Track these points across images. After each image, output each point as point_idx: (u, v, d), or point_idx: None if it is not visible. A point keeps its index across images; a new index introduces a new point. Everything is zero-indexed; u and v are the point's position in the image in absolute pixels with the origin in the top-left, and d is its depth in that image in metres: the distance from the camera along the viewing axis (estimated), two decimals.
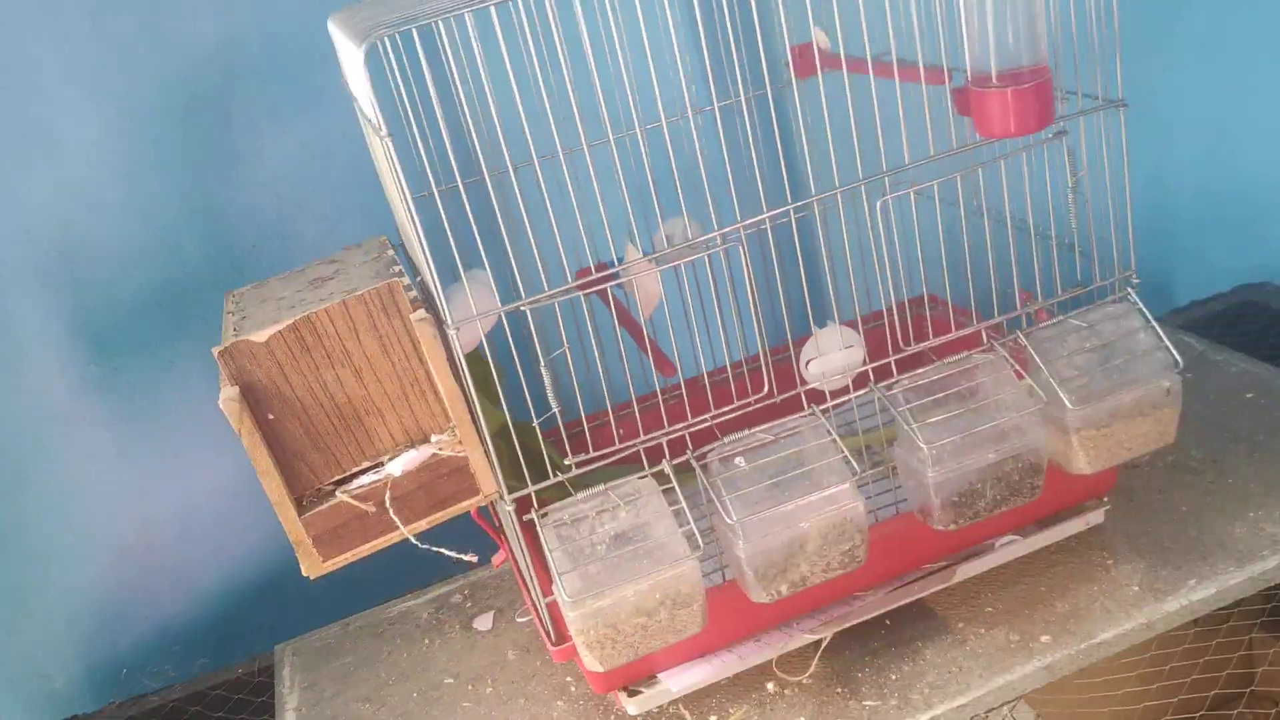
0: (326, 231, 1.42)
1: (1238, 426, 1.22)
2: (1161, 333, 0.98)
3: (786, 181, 1.01)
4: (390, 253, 1.02)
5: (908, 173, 0.94)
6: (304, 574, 0.90)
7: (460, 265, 0.88)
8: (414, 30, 0.79)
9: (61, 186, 1.28)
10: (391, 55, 0.98)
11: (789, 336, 1.08)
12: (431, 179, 0.86)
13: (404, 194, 0.82)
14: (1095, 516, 1.10)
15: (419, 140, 0.93)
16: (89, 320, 1.32)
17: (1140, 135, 1.59)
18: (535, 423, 0.90)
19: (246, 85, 1.33)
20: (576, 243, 0.95)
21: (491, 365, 0.97)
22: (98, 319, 1.32)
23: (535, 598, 0.99)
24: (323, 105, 1.36)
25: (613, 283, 1.00)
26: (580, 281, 0.93)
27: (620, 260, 1.15)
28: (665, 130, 0.91)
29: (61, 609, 1.34)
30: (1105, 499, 1.11)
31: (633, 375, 0.97)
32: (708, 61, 0.93)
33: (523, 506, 0.94)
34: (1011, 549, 1.08)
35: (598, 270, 1.15)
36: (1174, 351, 0.97)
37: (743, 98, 0.97)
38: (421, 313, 0.86)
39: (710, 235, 0.93)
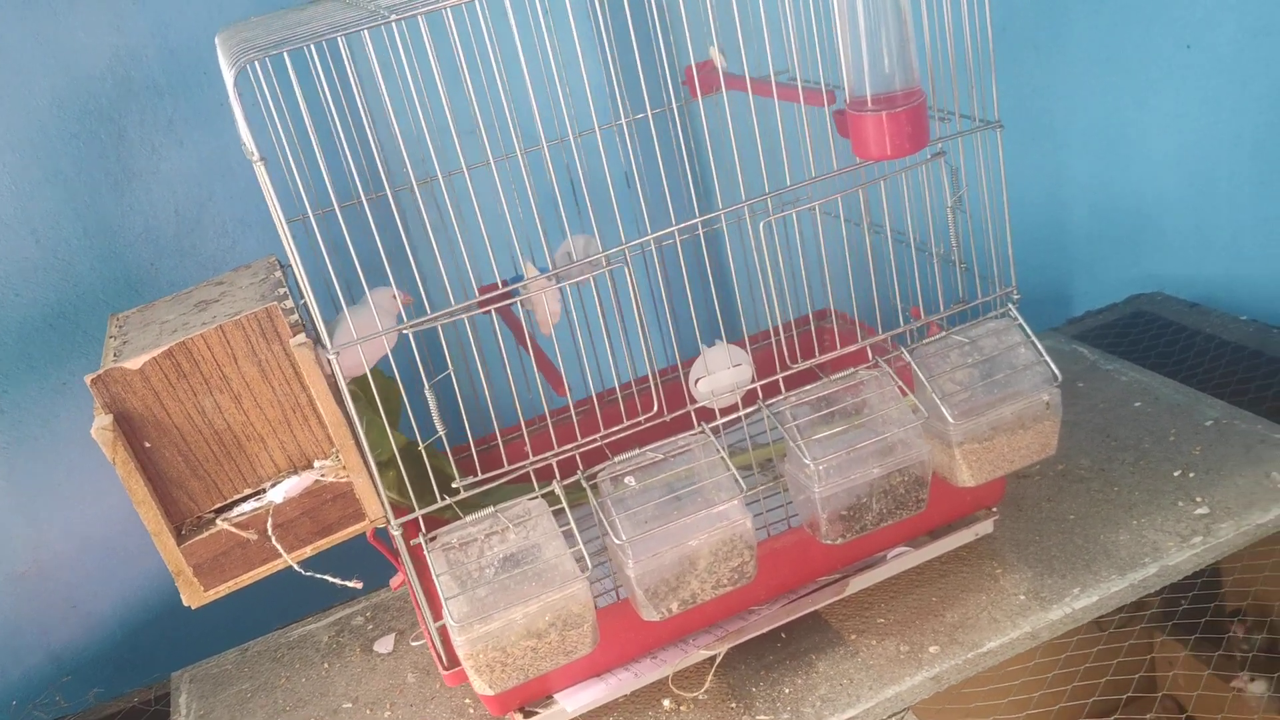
0: (228, 248, 1.40)
1: (1124, 435, 1.26)
2: (1041, 347, 1.00)
3: (685, 197, 1.02)
4: (278, 274, 1.01)
5: (793, 192, 0.95)
6: (185, 603, 0.88)
7: (338, 289, 0.87)
8: (285, 52, 0.78)
9: None
10: (263, 79, 0.97)
11: (679, 356, 1.09)
12: (306, 202, 0.85)
13: (279, 219, 0.81)
14: (985, 527, 1.13)
15: (292, 161, 0.93)
16: None
17: (1035, 149, 1.65)
18: (420, 447, 0.90)
19: (142, 100, 1.31)
20: (473, 260, 0.94)
21: (373, 387, 0.96)
22: None
23: (427, 621, 0.99)
24: (222, 119, 1.34)
25: (501, 304, 1.00)
26: (466, 304, 0.92)
27: (518, 278, 1.15)
28: (546, 152, 0.92)
29: None
30: (994, 509, 1.13)
31: (522, 396, 0.97)
32: (587, 83, 0.93)
33: (427, 526, 0.93)
34: (903, 560, 1.10)
35: (483, 291, 1.15)
36: (1053, 365, 0.99)
37: (624, 120, 0.98)
38: (301, 337, 0.85)
39: (597, 255, 0.93)
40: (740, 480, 0.92)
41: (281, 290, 0.95)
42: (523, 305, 1.07)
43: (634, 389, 0.98)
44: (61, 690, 1.28)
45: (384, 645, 1.20)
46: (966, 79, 0.97)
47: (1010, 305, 1.03)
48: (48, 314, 1.32)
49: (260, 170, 0.80)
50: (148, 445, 0.85)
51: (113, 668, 1.38)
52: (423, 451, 0.91)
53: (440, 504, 0.93)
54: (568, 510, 0.92)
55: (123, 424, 0.84)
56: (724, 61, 1.22)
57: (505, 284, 1.18)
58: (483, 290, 1.17)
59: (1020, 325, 1.02)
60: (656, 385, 0.94)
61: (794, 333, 0.98)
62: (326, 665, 1.20)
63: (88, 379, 0.83)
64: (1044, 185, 1.67)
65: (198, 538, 0.86)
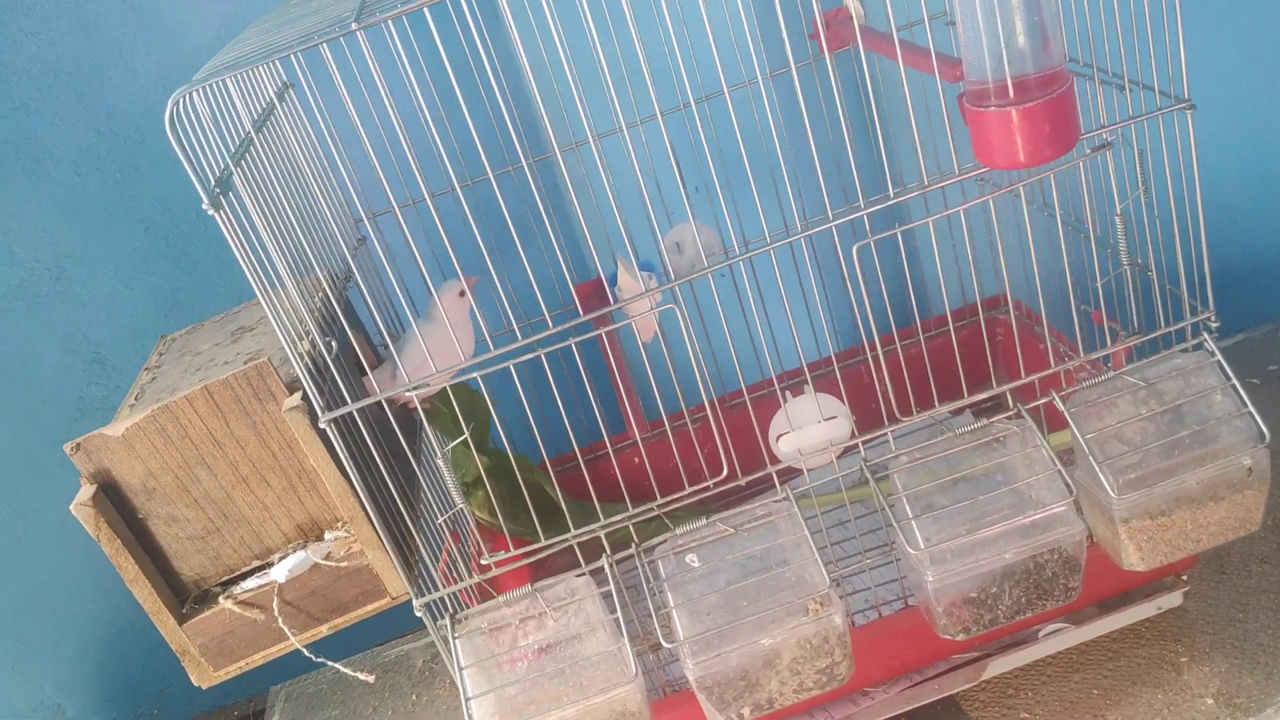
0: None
1: None
2: (1243, 393, 0.76)
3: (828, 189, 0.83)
4: (318, 300, 0.89)
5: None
6: (195, 683, 0.80)
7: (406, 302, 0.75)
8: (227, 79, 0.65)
9: (47, 199, 1.21)
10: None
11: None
12: (361, 209, 0.73)
13: (248, 265, 0.68)
14: (1171, 599, 0.90)
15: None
16: (85, 339, 1.26)
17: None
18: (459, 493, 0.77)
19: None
20: (566, 256, 0.80)
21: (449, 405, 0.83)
22: (95, 336, 1.26)
23: None
24: (354, 85, 1.24)
25: (606, 328, 0.84)
26: (558, 330, 0.75)
27: (614, 276, 1.00)
28: (643, 132, 0.75)
29: (70, 638, 1.30)
30: (1184, 576, 0.90)
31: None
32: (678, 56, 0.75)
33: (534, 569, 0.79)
34: (1059, 639, 0.89)
35: (580, 291, 1.00)
36: (1259, 419, 0.75)
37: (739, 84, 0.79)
38: (295, 399, 0.73)
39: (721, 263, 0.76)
40: (824, 573, 0.74)
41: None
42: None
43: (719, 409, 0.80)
44: (160, 703, 1.26)
45: None
46: (1147, 38, 0.73)
47: (1205, 336, 0.79)
48: (160, 303, 1.28)
49: (220, 220, 0.67)
50: (140, 516, 0.76)
51: None
52: (515, 468, 0.77)
53: (476, 578, 0.80)
54: (619, 594, 0.77)
55: (111, 494, 0.75)
56: (862, 12, 1.01)
57: (604, 282, 1.03)
58: (580, 290, 1.02)
59: (1218, 363, 0.78)
60: (727, 446, 0.77)
61: (899, 356, 0.78)
62: (415, 696, 1.11)
63: (67, 448, 0.74)
64: None
65: (200, 616, 0.77)
